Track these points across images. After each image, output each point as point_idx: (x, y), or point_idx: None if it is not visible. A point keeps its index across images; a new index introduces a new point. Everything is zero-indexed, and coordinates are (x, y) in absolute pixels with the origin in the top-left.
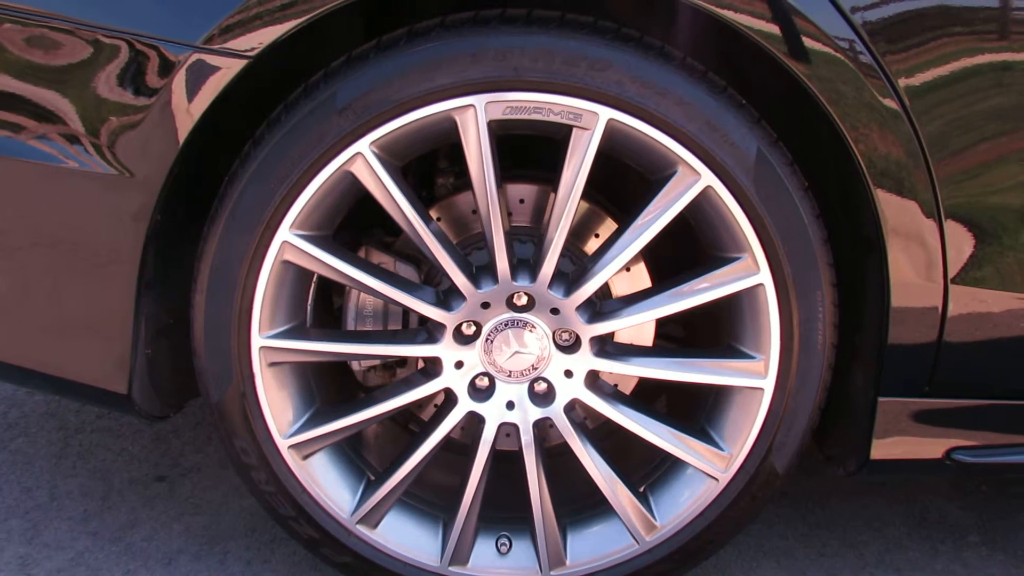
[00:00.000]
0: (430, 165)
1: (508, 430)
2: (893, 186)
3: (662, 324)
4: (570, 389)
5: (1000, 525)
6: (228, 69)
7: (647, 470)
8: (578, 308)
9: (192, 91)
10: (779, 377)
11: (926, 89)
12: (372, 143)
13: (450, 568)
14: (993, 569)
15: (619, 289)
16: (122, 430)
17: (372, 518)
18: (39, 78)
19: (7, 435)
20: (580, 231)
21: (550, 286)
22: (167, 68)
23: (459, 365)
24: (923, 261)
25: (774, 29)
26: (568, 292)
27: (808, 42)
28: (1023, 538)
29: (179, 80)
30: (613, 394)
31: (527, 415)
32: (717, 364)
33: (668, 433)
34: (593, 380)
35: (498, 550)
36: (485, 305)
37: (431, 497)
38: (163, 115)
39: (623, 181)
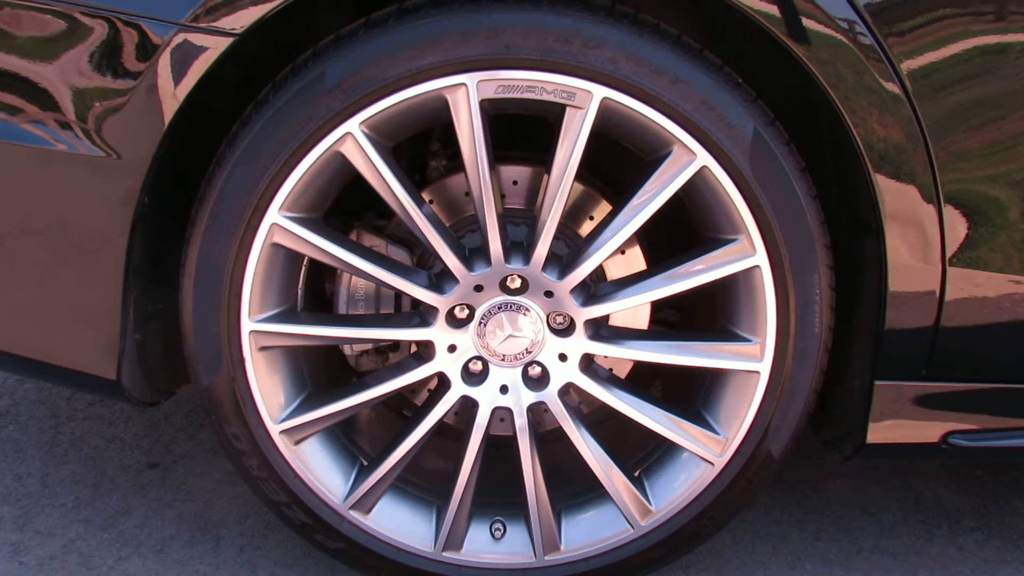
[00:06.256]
0: (422, 147)
1: (502, 414)
2: (892, 170)
3: (658, 308)
4: (564, 373)
5: (995, 510)
6: (214, 48)
7: (642, 455)
8: (572, 291)
9: (178, 71)
10: (775, 360)
11: (928, 72)
12: (362, 123)
13: (444, 553)
14: (988, 554)
15: (614, 272)
16: (114, 417)
17: (365, 504)
18: (22, 58)
19: None
20: (575, 213)
21: (544, 268)
22: (152, 47)
23: (452, 349)
24: (921, 245)
25: (774, 9)
26: (562, 275)
27: (809, 23)
28: (1018, 523)
29: (164, 59)
30: (608, 378)
31: (521, 399)
32: (713, 347)
33: (663, 417)
34: (588, 364)
35: (492, 535)
36: (478, 288)
37: (425, 483)
38: (149, 95)
39: (619, 162)
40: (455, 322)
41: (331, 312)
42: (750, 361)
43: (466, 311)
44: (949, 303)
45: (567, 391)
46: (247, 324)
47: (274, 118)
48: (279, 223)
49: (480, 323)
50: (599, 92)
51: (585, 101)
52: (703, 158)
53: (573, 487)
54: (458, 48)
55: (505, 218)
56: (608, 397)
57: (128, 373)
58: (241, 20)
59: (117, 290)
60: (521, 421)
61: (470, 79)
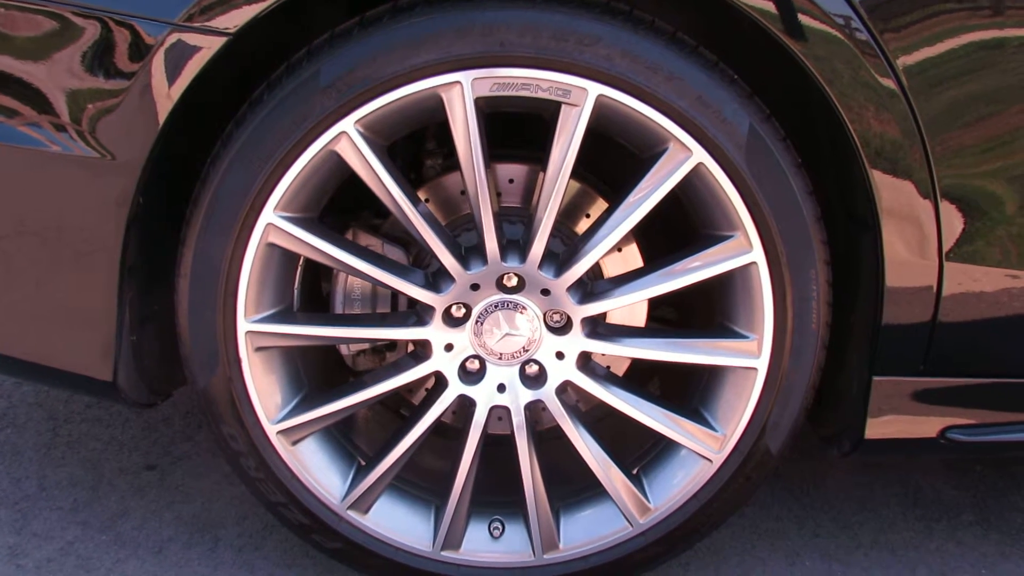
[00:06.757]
0: (418, 146)
1: (500, 413)
2: (889, 165)
3: (655, 306)
4: (562, 371)
5: (994, 504)
6: (208, 48)
7: (640, 452)
8: (569, 289)
9: (172, 71)
10: (773, 357)
11: (924, 67)
12: (357, 122)
13: (442, 553)
14: (987, 548)
15: (611, 270)
16: (111, 419)
17: (363, 503)
18: (14, 59)
19: None
20: (571, 211)
21: (540, 266)
22: (146, 47)
23: (449, 348)
24: (918, 240)
25: (770, 6)
26: (559, 272)
27: (805, 19)
28: (1017, 517)
29: (158, 59)
30: (605, 376)
31: (518, 398)
32: (710, 344)
33: (661, 414)
34: (585, 362)
35: (491, 534)
36: (475, 287)
37: (423, 482)
38: (143, 96)
39: (614, 160)
40: (452, 321)
41: (327, 312)
42: (747, 358)
43: (463, 310)
44: (946, 298)
45: (565, 389)
46: (243, 324)
47: (269, 117)
48: (274, 223)
49: (477, 322)
50: (594, 89)
51: (580, 98)
52: (699, 155)
53: (571, 485)
54: (453, 46)
55: (501, 216)
56: (606, 395)
57: (125, 375)
58: (235, 19)
59: (113, 291)
60: (519, 419)
61: (465, 77)
